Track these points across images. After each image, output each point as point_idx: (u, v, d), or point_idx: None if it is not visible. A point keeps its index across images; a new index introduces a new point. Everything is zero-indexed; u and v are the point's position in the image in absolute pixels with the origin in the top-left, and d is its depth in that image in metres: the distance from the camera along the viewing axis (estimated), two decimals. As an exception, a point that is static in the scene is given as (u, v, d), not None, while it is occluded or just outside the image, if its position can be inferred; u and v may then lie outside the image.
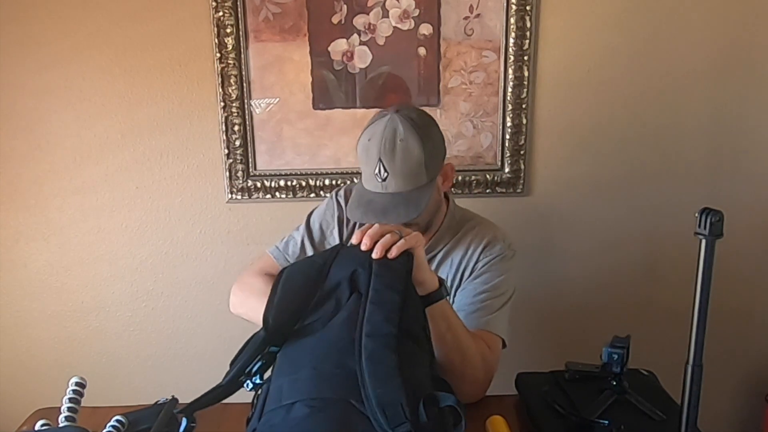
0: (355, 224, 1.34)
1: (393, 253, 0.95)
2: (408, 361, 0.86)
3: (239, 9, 1.64)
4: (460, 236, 1.30)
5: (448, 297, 1.09)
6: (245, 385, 0.90)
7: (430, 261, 1.28)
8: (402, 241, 0.96)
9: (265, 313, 0.93)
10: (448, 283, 1.25)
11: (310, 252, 1.33)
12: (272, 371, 0.91)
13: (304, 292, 0.94)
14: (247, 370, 0.89)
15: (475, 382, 1.15)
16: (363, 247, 0.97)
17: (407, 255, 0.97)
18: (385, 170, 1.14)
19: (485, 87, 1.71)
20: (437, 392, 0.88)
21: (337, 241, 1.33)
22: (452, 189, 1.75)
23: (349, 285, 0.93)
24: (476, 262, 1.26)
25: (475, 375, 1.14)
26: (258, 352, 0.90)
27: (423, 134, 1.16)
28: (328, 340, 0.88)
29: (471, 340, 1.13)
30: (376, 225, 0.99)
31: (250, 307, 1.28)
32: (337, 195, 1.37)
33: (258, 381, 0.90)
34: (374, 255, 0.95)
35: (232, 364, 0.91)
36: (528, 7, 1.64)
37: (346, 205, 1.32)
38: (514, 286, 1.29)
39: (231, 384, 0.89)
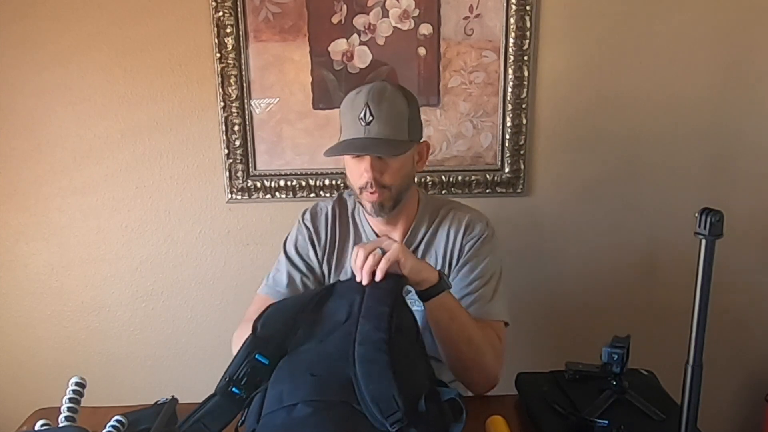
0: (326, 241, 1.33)
1: (379, 277, 0.99)
2: (403, 363, 0.87)
3: (239, 9, 1.63)
4: (437, 224, 1.30)
5: (449, 289, 1.10)
6: (233, 390, 0.91)
7: (413, 252, 1.27)
8: (383, 261, 1.00)
9: (255, 321, 0.97)
10: None
11: (297, 278, 1.32)
12: (269, 382, 0.92)
13: (294, 312, 0.98)
14: (235, 376, 0.91)
15: (486, 369, 1.16)
16: (357, 278, 1.01)
17: (396, 276, 1.01)
18: (371, 114, 1.14)
19: (485, 87, 1.71)
20: (438, 387, 0.90)
21: (315, 261, 1.33)
22: (452, 189, 1.75)
23: (347, 310, 0.97)
24: (461, 248, 1.27)
25: (486, 362, 1.16)
26: (245, 356, 0.92)
27: (409, 97, 1.20)
28: (323, 352, 0.92)
29: (477, 327, 1.14)
30: (360, 252, 1.02)
31: None
32: (303, 218, 1.36)
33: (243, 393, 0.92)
34: (363, 282, 1.00)
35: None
36: (528, 7, 1.64)
37: (312, 224, 1.34)
38: (501, 264, 1.29)
39: (224, 395, 0.91)
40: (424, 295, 1.08)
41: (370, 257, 1.00)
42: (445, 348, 1.16)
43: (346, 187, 1.61)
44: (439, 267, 1.27)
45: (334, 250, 1.33)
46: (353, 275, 1.03)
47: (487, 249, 1.27)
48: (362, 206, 1.26)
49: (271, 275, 1.36)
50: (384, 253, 1.01)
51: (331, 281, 1.32)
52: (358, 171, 1.19)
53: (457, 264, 1.27)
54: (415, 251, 1.28)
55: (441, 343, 1.15)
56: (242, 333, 1.30)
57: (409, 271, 1.03)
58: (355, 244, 1.31)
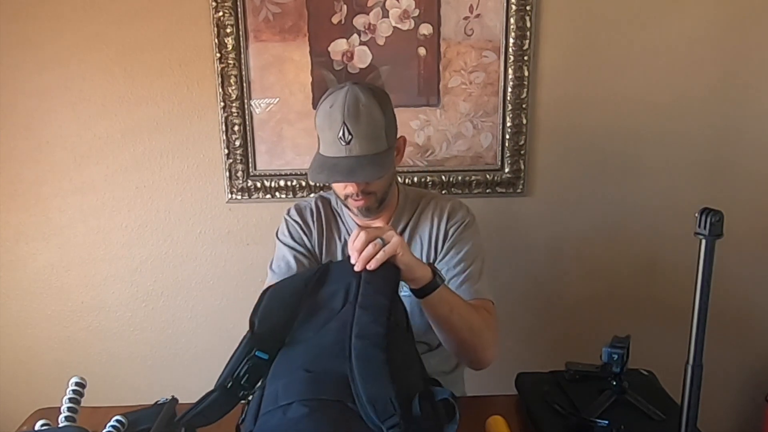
0: (317, 233, 1.33)
1: (372, 266, 0.98)
2: (399, 361, 0.87)
3: (239, 9, 1.64)
4: (419, 212, 1.33)
5: (443, 283, 1.10)
6: (241, 395, 0.91)
7: None
8: (381, 252, 0.99)
9: (251, 316, 0.95)
10: (423, 260, 1.26)
11: (301, 260, 1.32)
12: (266, 378, 0.91)
13: (291, 301, 0.97)
14: (235, 374, 0.90)
15: (487, 349, 1.18)
16: (352, 260, 1.00)
17: (393, 266, 1.00)
18: (350, 133, 1.16)
19: (485, 87, 1.71)
20: (432, 387, 0.89)
21: (310, 245, 1.34)
22: (452, 189, 1.76)
23: (343, 296, 0.95)
24: (445, 232, 1.30)
25: (486, 341, 1.18)
26: (244, 354, 0.91)
27: (382, 101, 1.20)
28: (319, 344, 0.90)
29: (474, 312, 1.16)
30: (361, 235, 1.00)
31: None
32: (290, 214, 1.37)
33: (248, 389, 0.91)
34: (356, 268, 0.98)
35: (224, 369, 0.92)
36: (528, 7, 1.64)
37: (300, 218, 1.35)
38: (484, 249, 1.32)
39: (223, 391, 0.90)
40: (420, 293, 1.08)
41: (370, 246, 0.99)
42: (446, 337, 1.16)
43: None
44: (424, 252, 1.30)
45: (323, 241, 1.34)
46: (347, 257, 1.02)
47: (470, 233, 1.31)
48: (347, 208, 1.28)
49: (274, 265, 1.35)
50: (384, 243, 1.00)
51: None
52: (342, 183, 1.22)
53: (442, 248, 1.30)
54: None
55: (442, 333, 1.16)
56: None
57: (405, 267, 1.02)
58: (340, 237, 1.34)
